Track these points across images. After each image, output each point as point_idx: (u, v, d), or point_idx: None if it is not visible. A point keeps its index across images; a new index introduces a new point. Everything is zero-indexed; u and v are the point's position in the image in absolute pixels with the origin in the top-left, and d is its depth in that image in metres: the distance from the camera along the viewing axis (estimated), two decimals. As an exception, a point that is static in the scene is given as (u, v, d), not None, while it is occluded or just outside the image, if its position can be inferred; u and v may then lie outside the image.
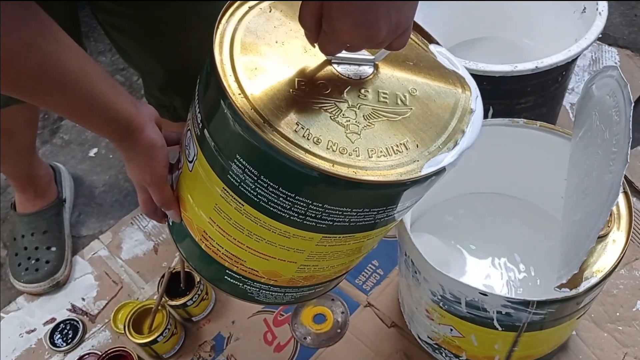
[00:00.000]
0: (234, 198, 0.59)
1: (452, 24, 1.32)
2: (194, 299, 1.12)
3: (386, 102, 0.60)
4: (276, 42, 0.60)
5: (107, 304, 1.24)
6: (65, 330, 1.21)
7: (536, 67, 1.03)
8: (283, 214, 0.58)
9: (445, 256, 1.10)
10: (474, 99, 0.63)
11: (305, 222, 0.59)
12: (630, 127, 0.64)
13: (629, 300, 1.10)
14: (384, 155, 0.56)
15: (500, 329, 0.83)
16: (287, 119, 0.55)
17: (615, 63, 1.47)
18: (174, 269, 1.13)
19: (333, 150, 0.55)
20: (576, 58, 1.09)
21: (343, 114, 0.57)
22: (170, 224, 0.73)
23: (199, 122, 0.59)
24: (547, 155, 0.92)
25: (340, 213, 0.58)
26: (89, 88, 0.59)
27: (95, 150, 1.52)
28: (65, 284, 1.28)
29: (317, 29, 0.54)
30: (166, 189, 0.68)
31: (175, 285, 1.13)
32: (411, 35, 0.65)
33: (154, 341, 1.08)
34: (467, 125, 0.61)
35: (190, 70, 0.87)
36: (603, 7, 1.13)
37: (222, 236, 0.64)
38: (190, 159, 0.63)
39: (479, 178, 1.10)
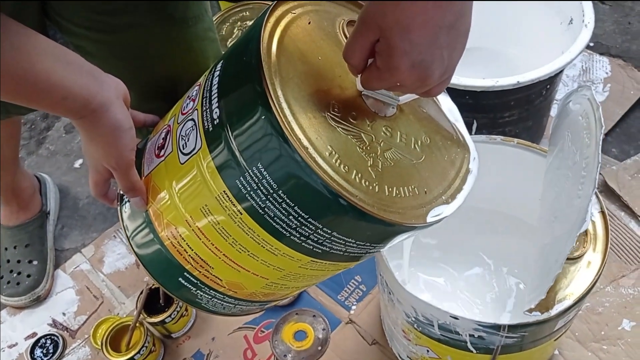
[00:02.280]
0: (233, 204, 0.56)
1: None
2: (172, 316, 1.11)
3: (404, 145, 0.61)
4: (316, 59, 0.59)
5: (87, 319, 1.23)
6: (46, 345, 1.20)
7: (518, 82, 1.01)
8: (285, 232, 0.56)
9: (428, 273, 1.09)
10: (472, 160, 0.67)
11: (304, 244, 0.57)
12: (600, 152, 0.62)
13: (615, 318, 1.08)
14: (399, 196, 0.57)
15: (474, 351, 0.81)
16: (322, 141, 0.53)
17: (607, 73, 1.45)
18: (153, 285, 1.11)
19: (359, 181, 0.54)
20: (561, 71, 1.07)
21: (368, 147, 0.57)
22: (125, 210, 0.69)
23: (215, 117, 0.56)
24: (525, 172, 0.90)
25: (343, 242, 0.57)
26: (27, 67, 0.54)
27: (80, 161, 1.51)
28: (46, 298, 1.28)
29: (364, 65, 0.54)
30: (133, 174, 0.65)
31: (154, 301, 1.12)
32: None
33: (131, 359, 1.06)
34: (465, 184, 0.64)
35: (161, 93, 0.86)
36: (589, 19, 1.12)
37: (198, 238, 0.61)
38: (186, 151, 0.60)
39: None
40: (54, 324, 1.24)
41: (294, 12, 0.60)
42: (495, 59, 1.36)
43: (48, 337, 1.21)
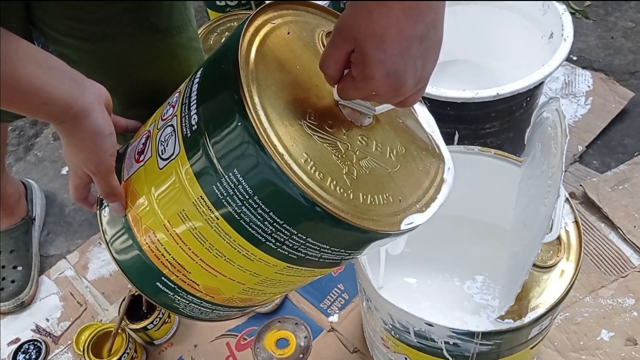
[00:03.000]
0: (210, 210, 0.57)
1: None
2: (154, 323, 1.11)
3: (380, 153, 0.62)
4: (294, 68, 0.60)
5: (70, 325, 1.23)
6: (29, 351, 1.20)
7: (497, 94, 1.03)
8: (260, 238, 0.57)
9: (404, 280, 1.09)
10: (447, 170, 0.68)
11: (279, 249, 0.58)
12: (564, 161, 0.63)
13: (594, 329, 1.09)
14: (373, 203, 0.58)
15: (450, 359, 0.82)
16: (298, 148, 0.54)
17: (589, 87, 1.47)
18: (135, 292, 1.12)
19: (333, 188, 0.55)
20: (540, 84, 1.09)
21: (344, 155, 0.58)
22: (105, 215, 0.69)
23: (193, 123, 0.57)
24: (503, 182, 0.91)
25: (318, 249, 0.58)
26: (8, 71, 0.54)
27: (67, 168, 1.52)
28: (30, 304, 1.28)
29: (340, 75, 0.55)
30: (113, 179, 0.65)
31: (136, 308, 1.12)
32: None
33: (112, 365, 1.07)
34: (439, 193, 0.65)
35: (144, 100, 0.87)
36: (569, 32, 1.13)
37: (176, 243, 0.62)
38: (164, 157, 0.60)
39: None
40: (37, 329, 1.24)
41: (273, 22, 0.61)
42: (479, 72, 1.38)
43: (31, 342, 1.21)
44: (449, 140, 1.17)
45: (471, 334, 0.74)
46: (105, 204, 0.68)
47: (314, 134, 0.57)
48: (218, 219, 0.57)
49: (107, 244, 0.69)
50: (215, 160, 0.54)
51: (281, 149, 0.52)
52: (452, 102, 1.06)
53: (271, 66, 0.58)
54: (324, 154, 0.56)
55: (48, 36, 0.84)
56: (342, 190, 0.55)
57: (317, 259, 0.60)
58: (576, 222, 0.82)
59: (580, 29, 1.62)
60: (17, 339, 1.23)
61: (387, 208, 0.59)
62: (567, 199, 0.80)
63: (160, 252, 0.64)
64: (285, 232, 0.56)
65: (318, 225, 0.55)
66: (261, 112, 0.53)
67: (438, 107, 1.11)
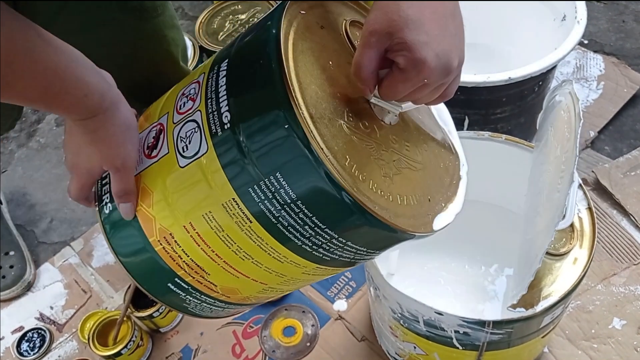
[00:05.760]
0: (243, 212, 0.54)
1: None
2: (160, 310, 1.10)
3: (409, 152, 0.60)
4: (328, 65, 0.56)
5: (75, 313, 1.22)
6: (33, 339, 1.19)
7: (509, 77, 1.01)
8: (297, 241, 0.54)
9: (415, 267, 1.08)
10: (462, 167, 0.67)
11: (314, 252, 0.56)
12: (578, 145, 0.61)
13: (605, 317, 1.07)
14: (408, 204, 0.56)
15: (460, 347, 0.81)
16: (341, 150, 0.51)
17: (600, 70, 1.44)
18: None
19: (374, 191, 0.53)
20: (553, 68, 1.06)
21: (380, 156, 0.56)
22: (106, 211, 0.64)
23: (225, 121, 0.53)
24: (514, 167, 0.89)
25: (355, 251, 0.57)
26: (61, 65, 0.53)
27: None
28: (34, 282, 1.27)
29: (375, 78, 0.53)
30: (133, 178, 0.61)
31: (142, 295, 1.11)
32: None
33: (118, 354, 1.05)
34: (457, 191, 0.64)
35: (137, 88, 0.86)
36: (582, 15, 1.11)
37: (197, 245, 0.58)
38: (187, 155, 0.56)
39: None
40: (41, 317, 1.23)
41: (303, 12, 0.57)
42: (489, 56, 1.35)
43: (35, 330, 1.20)
44: (458, 126, 1.15)
45: (482, 323, 0.73)
46: (107, 200, 0.64)
47: (353, 134, 0.54)
48: (251, 222, 0.54)
49: (110, 244, 0.65)
50: (253, 161, 0.51)
51: (328, 153, 0.50)
52: (462, 87, 1.03)
53: (308, 62, 0.54)
54: (364, 155, 0.54)
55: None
56: (382, 192, 0.53)
57: (350, 259, 0.59)
58: (590, 208, 0.80)
59: (591, 12, 1.58)
60: (21, 327, 1.22)
61: (420, 208, 0.58)
62: (580, 184, 0.78)
63: (177, 253, 0.60)
64: (326, 235, 0.54)
65: (361, 229, 0.53)
66: (306, 114, 0.50)
67: (447, 92, 1.09)
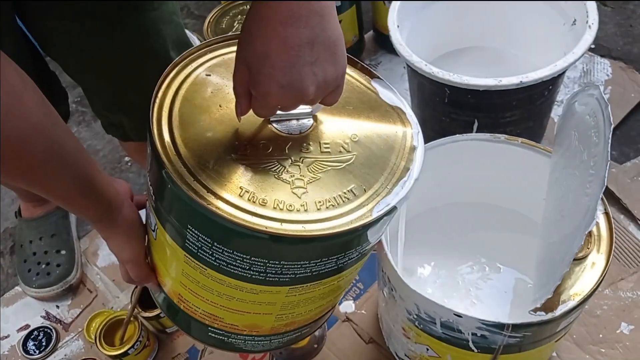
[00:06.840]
0: (197, 264, 0.59)
1: (440, 34, 1.29)
2: (167, 310, 1.09)
3: (329, 152, 0.60)
4: (217, 108, 0.60)
5: (81, 312, 1.22)
6: (39, 338, 1.19)
7: (521, 81, 1.00)
8: (244, 274, 0.58)
9: (427, 269, 1.08)
10: (416, 135, 0.64)
11: (267, 278, 0.58)
12: (609, 150, 0.61)
13: (613, 321, 1.08)
14: (332, 206, 0.56)
15: (476, 350, 0.80)
16: (230, 185, 0.55)
17: (608, 75, 1.45)
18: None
19: (280, 209, 0.55)
20: (563, 72, 1.06)
21: (287, 171, 0.57)
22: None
23: (152, 194, 0.60)
24: (529, 171, 0.89)
25: (299, 266, 0.58)
26: (86, 170, 0.60)
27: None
28: (77, 287, 1.26)
29: (249, 96, 0.55)
30: (144, 265, 0.69)
31: (148, 296, 1.10)
32: (353, 74, 0.67)
33: (125, 354, 1.05)
34: (412, 163, 0.62)
35: (133, 86, 0.86)
36: (593, 20, 1.11)
37: (196, 297, 0.64)
38: (152, 228, 0.64)
39: (464, 188, 1.07)
40: (47, 316, 1.23)
41: (192, 65, 0.63)
42: (495, 59, 1.36)
43: (41, 329, 1.19)
44: (467, 129, 1.15)
45: (501, 326, 0.73)
46: None
47: (249, 164, 0.57)
48: (206, 270, 0.59)
49: (160, 309, 0.75)
50: (173, 223, 0.58)
51: (211, 193, 0.53)
52: (473, 90, 1.04)
53: (189, 118, 0.58)
54: (264, 179, 0.56)
55: (29, 16, 0.82)
56: (291, 207, 0.55)
57: (309, 273, 0.60)
58: (607, 213, 0.80)
59: (598, 16, 1.58)
60: (27, 326, 1.22)
61: (351, 203, 0.57)
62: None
63: (192, 308, 0.67)
64: (259, 263, 0.56)
65: (279, 248, 0.56)
66: (181, 169, 0.54)
67: (458, 95, 1.09)
